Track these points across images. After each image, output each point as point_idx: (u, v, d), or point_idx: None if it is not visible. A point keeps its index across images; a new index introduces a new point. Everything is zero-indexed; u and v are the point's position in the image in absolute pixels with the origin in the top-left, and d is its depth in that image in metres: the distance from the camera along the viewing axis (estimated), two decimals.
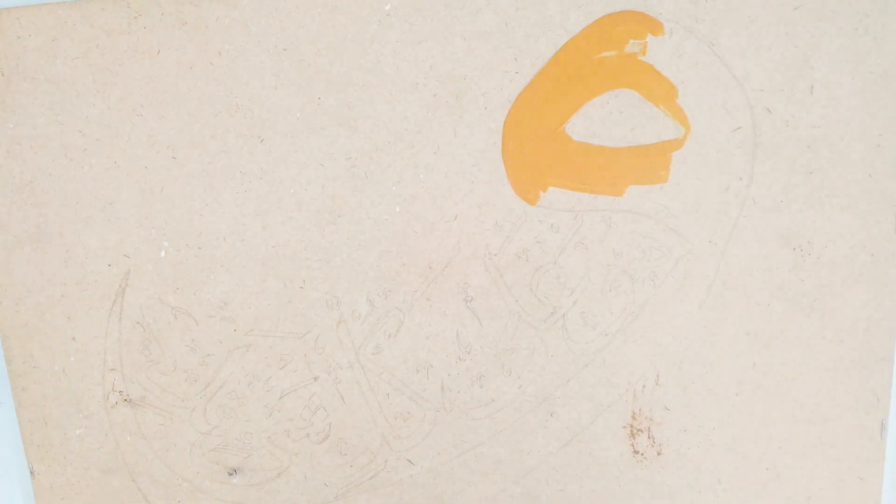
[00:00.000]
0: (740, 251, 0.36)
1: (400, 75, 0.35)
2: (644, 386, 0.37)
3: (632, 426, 0.37)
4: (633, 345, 0.37)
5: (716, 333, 0.36)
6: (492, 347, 0.37)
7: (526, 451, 0.37)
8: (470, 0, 0.35)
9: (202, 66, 0.36)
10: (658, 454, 0.37)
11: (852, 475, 0.36)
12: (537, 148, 0.35)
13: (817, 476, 0.36)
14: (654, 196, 0.36)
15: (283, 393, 0.38)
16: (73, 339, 0.38)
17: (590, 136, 0.35)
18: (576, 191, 0.36)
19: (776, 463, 0.37)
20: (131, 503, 0.39)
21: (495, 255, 0.36)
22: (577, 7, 0.34)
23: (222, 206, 0.37)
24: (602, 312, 0.36)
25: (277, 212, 0.36)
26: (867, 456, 0.36)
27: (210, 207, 0.37)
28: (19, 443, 0.39)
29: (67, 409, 0.38)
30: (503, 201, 0.36)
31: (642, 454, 0.37)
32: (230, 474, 0.38)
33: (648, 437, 0.37)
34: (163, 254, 0.37)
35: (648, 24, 0.34)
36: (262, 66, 0.36)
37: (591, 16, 0.34)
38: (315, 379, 0.37)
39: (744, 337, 0.36)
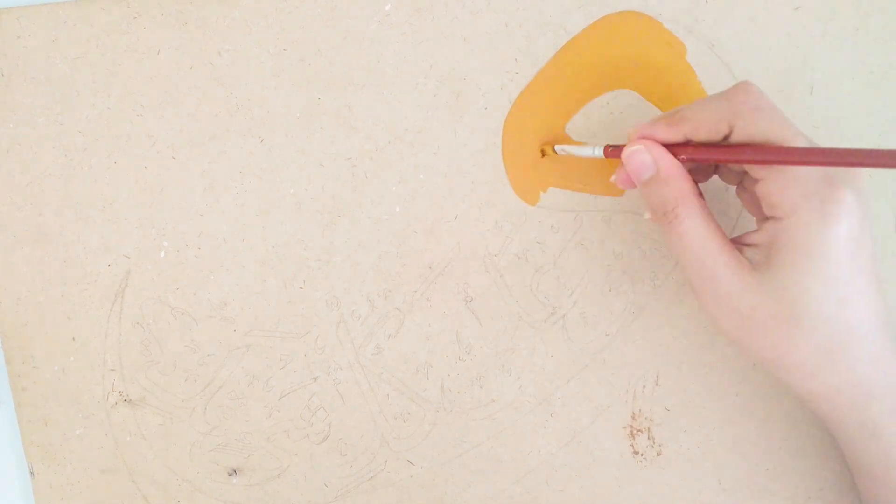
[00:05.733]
0: None
1: (400, 75, 0.35)
2: (644, 386, 0.37)
3: (632, 426, 0.37)
4: (633, 345, 0.37)
5: (716, 333, 0.36)
6: (492, 347, 0.37)
7: (526, 451, 0.37)
8: (470, 0, 0.35)
9: (202, 66, 0.36)
10: (658, 454, 0.37)
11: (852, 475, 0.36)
12: (537, 148, 0.35)
13: (817, 476, 0.36)
14: None
15: (283, 393, 0.38)
16: (73, 339, 0.38)
17: (590, 136, 0.35)
18: (576, 191, 0.36)
19: (776, 463, 0.37)
20: (131, 503, 0.39)
21: (495, 255, 0.36)
22: (577, 7, 0.34)
23: (222, 206, 0.37)
24: (602, 313, 0.36)
25: (277, 212, 0.36)
26: None
27: (210, 207, 0.37)
28: (19, 443, 0.39)
29: (67, 409, 0.38)
30: (503, 201, 0.36)
31: (642, 454, 0.37)
32: (230, 474, 0.38)
33: (648, 438, 0.37)
34: (163, 254, 0.37)
35: (648, 23, 0.34)
36: (262, 66, 0.36)
37: (591, 16, 0.34)
38: (315, 379, 0.37)
39: None
